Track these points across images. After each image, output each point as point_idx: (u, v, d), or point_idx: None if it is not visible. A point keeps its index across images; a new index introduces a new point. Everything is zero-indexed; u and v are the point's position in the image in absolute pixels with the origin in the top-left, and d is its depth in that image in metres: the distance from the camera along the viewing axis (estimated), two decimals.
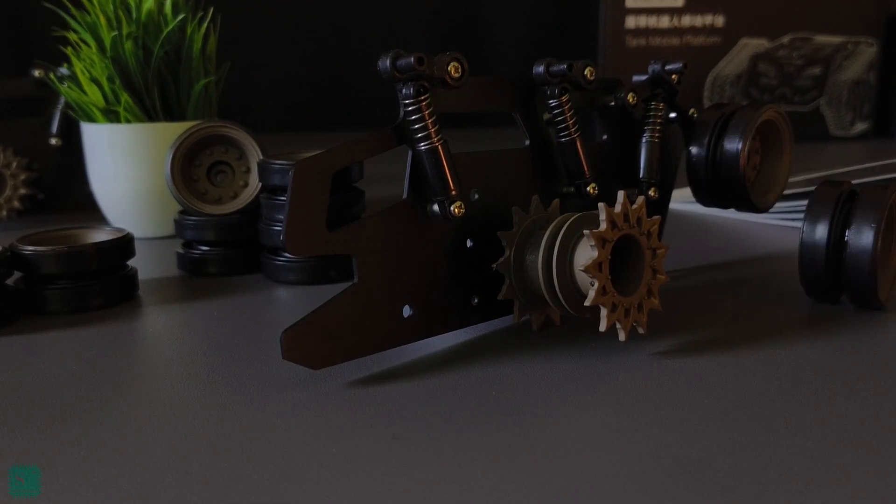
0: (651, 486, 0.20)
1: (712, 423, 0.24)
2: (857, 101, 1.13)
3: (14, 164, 0.59)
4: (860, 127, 1.15)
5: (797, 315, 0.34)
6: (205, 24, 0.52)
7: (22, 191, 0.59)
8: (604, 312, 0.27)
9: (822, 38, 1.10)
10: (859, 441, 0.22)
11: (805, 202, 0.51)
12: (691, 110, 0.38)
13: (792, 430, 0.23)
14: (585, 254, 0.28)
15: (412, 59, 0.26)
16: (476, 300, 0.31)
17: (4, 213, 0.59)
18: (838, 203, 0.33)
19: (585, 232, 0.27)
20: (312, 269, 0.41)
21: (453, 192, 0.28)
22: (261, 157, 0.45)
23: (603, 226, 0.27)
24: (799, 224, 0.53)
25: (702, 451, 0.22)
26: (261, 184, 0.43)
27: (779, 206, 0.53)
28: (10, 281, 0.36)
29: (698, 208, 0.55)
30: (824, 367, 0.28)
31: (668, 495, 0.20)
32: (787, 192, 0.52)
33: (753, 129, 0.36)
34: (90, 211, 0.58)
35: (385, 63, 0.27)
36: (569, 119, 0.33)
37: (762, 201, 0.38)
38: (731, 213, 0.56)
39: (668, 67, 0.37)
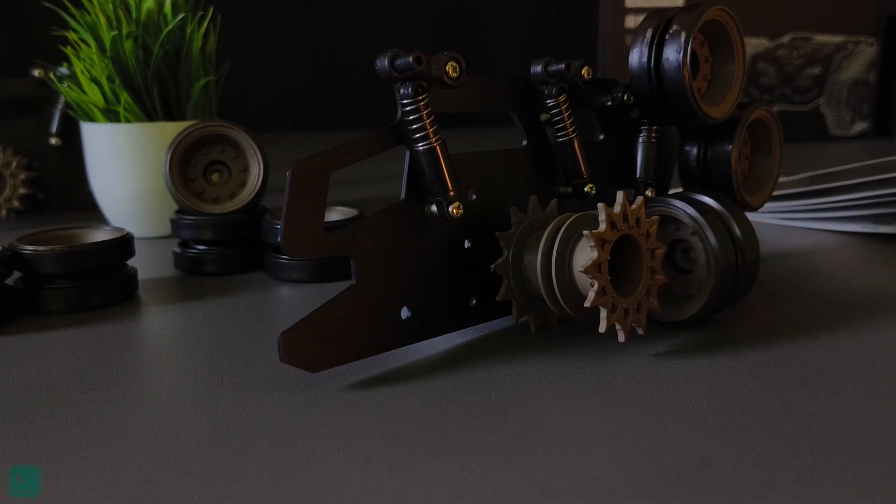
0: (651, 486, 0.20)
1: (712, 423, 0.24)
2: (857, 100, 1.13)
3: (14, 164, 0.59)
4: (860, 126, 1.15)
5: (796, 315, 0.34)
6: (205, 24, 0.52)
7: (22, 190, 0.59)
8: (603, 313, 0.27)
9: (821, 38, 1.10)
10: (859, 441, 0.22)
11: (804, 202, 0.52)
12: None
13: (792, 430, 0.23)
14: (585, 254, 0.28)
15: (410, 59, 0.26)
16: (474, 301, 0.31)
17: (4, 212, 0.59)
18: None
19: (585, 232, 0.27)
20: (316, 267, 0.41)
21: (451, 193, 0.28)
22: (259, 156, 0.45)
23: (602, 226, 0.27)
24: (799, 224, 0.53)
25: (702, 451, 0.22)
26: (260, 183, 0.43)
27: (778, 205, 0.53)
28: (9, 281, 0.36)
29: None
30: (824, 367, 0.28)
31: (668, 495, 0.20)
32: (786, 191, 0.52)
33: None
34: (90, 211, 0.58)
35: (383, 62, 0.27)
36: (566, 119, 0.33)
37: (753, 200, 0.38)
38: None
39: None
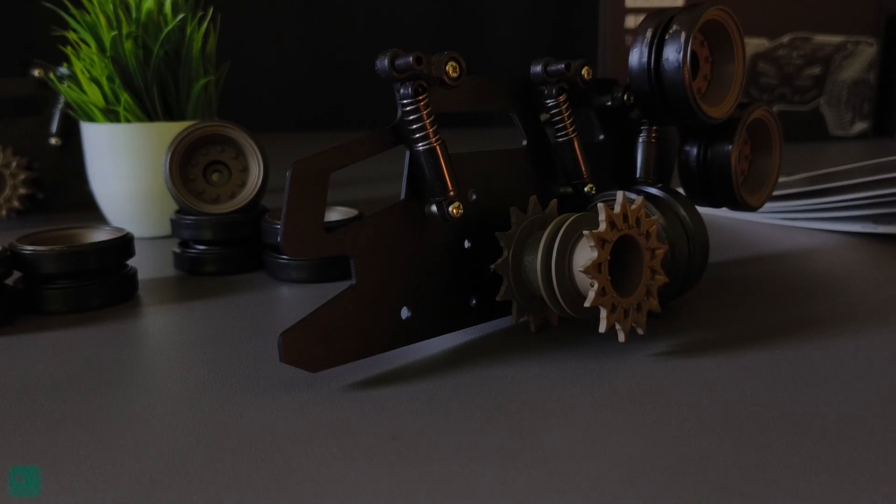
0: (651, 486, 0.20)
1: (712, 423, 0.24)
2: (857, 100, 1.13)
3: (14, 164, 0.59)
4: (860, 126, 1.15)
5: (796, 315, 0.34)
6: (205, 24, 0.52)
7: (22, 190, 0.59)
8: (603, 313, 0.27)
9: (821, 38, 1.10)
10: (859, 441, 0.22)
11: (804, 202, 0.52)
12: None
13: (792, 429, 0.23)
14: (585, 254, 0.28)
15: (410, 59, 0.26)
16: (474, 301, 0.31)
17: (4, 212, 0.59)
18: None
19: (585, 232, 0.27)
20: (316, 267, 0.41)
21: (451, 193, 0.28)
22: (259, 156, 0.45)
23: (602, 226, 0.27)
24: (799, 224, 0.53)
25: (702, 451, 0.22)
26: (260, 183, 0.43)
27: (777, 206, 0.54)
28: (9, 281, 0.36)
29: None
30: (824, 367, 0.28)
31: (668, 495, 0.20)
32: (786, 192, 0.52)
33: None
34: (90, 211, 0.58)
35: (383, 62, 0.27)
36: (566, 119, 0.33)
37: (753, 200, 0.38)
38: (728, 213, 0.56)
39: None
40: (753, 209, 0.38)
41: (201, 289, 0.40)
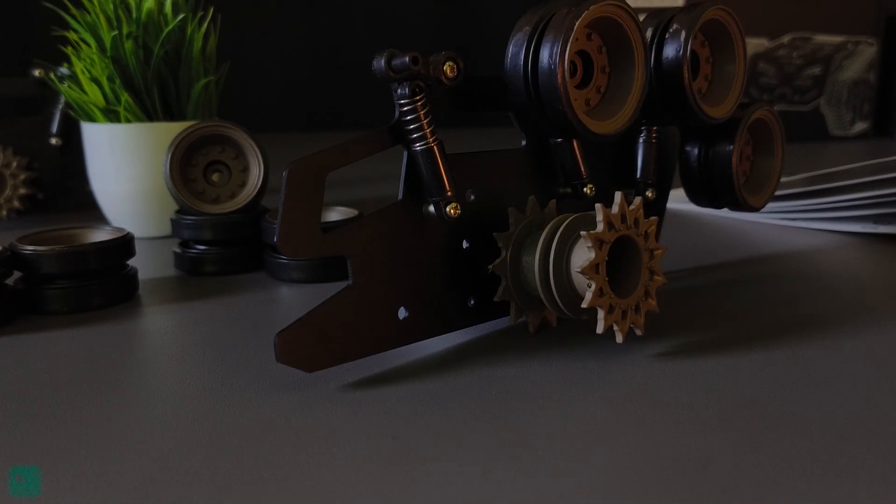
0: (651, 486, 0.20)
1: (712, 423, 0.24)
2: (857, 100, 1.13)
3: (14, 164, 0.59)
4: (860, 126, 1.15)
5: (796, 315, 0.34)
6: (205, 24, 0.52)
7: (22, 190, 0.59)
8: (601, 314, 0.27)
9: (822, 38, 1.10)
10: (859, 441, 0.22)
11: (804, 202, 0.52)
12: None
13: (792, 430, 0.23)
14: (582, 255, 0.28)
15: (407, 59, 0.26)
16: (472, 301, 0.31)
17: (4, 212, 0.59)
18: None
19: (582, 233, 0.27)
20: (316, 267, 0.41)
21: (449, 193, 0.28)
22: (259, 156, 0.45)
23: (600, 227, 0.27)
24: (799, 224, 0.53)
25: (702, 451, 0.22)
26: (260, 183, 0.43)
27: (777, 206, 0.54)
28: (10, 281, 0.36)
29: (696, 208, 0.55)
30: (824, 367, 0.28)
31: (668, 495, 0.20)
32: (786, 192, 0.52)
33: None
34: (90, 211, 0.58)
35: (380, 63, 0.26)
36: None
37: (755, 200, 0.38)
38: (728, 214, 0.56)
39: None
40: (755, 210, 0.38)
41: (201, 289, 0.40)
